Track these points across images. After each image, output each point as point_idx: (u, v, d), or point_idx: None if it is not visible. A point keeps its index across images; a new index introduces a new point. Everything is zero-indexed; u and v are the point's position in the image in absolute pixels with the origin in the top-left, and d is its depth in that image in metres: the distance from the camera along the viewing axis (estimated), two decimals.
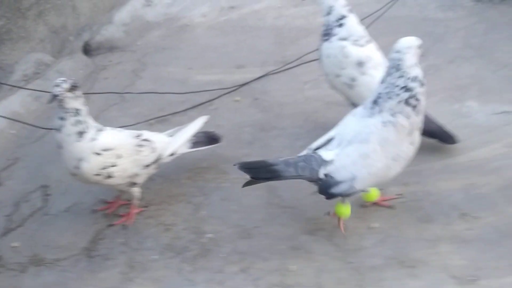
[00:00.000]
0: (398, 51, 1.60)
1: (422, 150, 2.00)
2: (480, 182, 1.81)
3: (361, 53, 1.99)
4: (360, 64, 1.97)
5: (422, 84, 1.57)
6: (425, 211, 1.74)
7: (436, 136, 1.91)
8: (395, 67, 1.58)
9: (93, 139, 1.71)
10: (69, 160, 1.72)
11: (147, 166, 1.82)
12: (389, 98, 1.56)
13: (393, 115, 1.55)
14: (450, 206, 1.74)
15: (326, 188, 1.58)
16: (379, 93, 1.60)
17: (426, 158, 1.95)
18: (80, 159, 1.70)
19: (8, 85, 2.68)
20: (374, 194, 1.76)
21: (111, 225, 1.88)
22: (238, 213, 1.86)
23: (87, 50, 3.19)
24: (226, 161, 2.11)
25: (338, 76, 2.02)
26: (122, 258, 1.74)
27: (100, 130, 1.74)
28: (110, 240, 1.82)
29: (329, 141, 1.63)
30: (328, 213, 1.74)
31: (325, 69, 2.08)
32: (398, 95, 1.55)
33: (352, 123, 1.62)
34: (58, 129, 1.70)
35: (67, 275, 1.69)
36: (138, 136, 1.81)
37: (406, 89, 1.55)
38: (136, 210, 1.90)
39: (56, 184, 2.07)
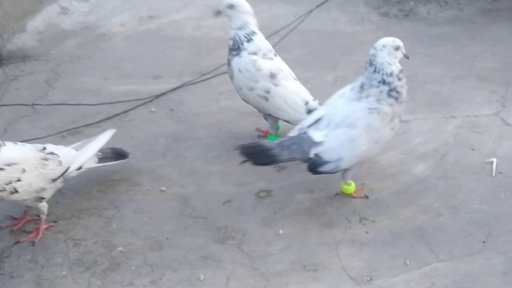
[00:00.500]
0: (374, 48, 1.76)
1: None
2: (378, 188, 1.95)
3: (271, 65, 2.07)
4: (272, 76, 2.05)
5: (399, 79, 1.71)
6: (328, 216, 1.85)
7: None
8: (369, 62, 1.75)
9: None
10: None
11: (54, 180, 1.79)
12: (371, 86, 1.72)
13: (378, 101, 1.70)
14: (351, 211, 1.86)
15: (315, 167, 1.73)
16: (362, 82, 1.76)
17: None
18: None
19: None
20: (352, 187, 1.89)
21: (17, 242, 1.82)
22: (149, 225, 1.87)
23: None
24: (139, 173, 2.11)
25: (252, 89, 2.08)
26: (29, 275, 1.70)
27: (0, 145, 1.69)
28: (17, 257, 1.77)
29: (318, 120, 1.75)
30: (337, 194, 1.90)
31: (237, 83, 2.12)
32: (377, 87, 1.71)
33: (340, 105, 1.75)
34: None
35: None
36: (42, 149, 1.78)
37: (384, 82, 1.70)
38: (44, 226, 1.86)
39: None
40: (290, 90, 2.04)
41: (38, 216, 1.86)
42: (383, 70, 1.71)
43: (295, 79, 2.10)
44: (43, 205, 1.82)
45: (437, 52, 2.87)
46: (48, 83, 2.83)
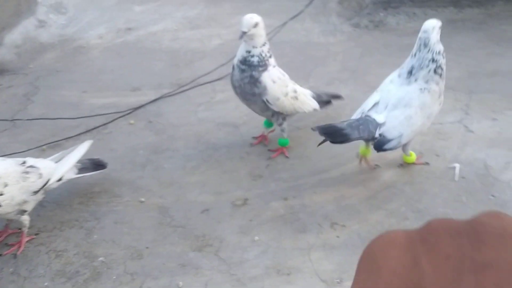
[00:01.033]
0: (425, 31, 1.95)
1: (301, 167, 2.22)
2: (349, 194, 2.05)
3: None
4: (290, 79, 2.24)
5: (443, 57, 1.95)
6: (301, 222, 1.94)
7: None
8: (423, 44, 1.93)
9: None
10: None
11: (36, 192, 1.84)
12: (421, 68, 1.93)
13: (426, 82, 1.92)
14: (323, 217, 1.95)
15: (381, 145, 1.93)
16: (412, 65, 1.96)
17: (303, 174, 2.17)
18: None
19: None
20: (413, 157, 2.11)
21: (0, 255, 1.87)
22: (130, 235, 1.93)
23: None
24: (119, 184, 2.18)
25: (286, 94, 2.15)
26: (12, 287, 1.74)
27: None
28: None
29: (375, 104, 1.97)
30: (376, 165, 2.13)
31: (274, 94, 2.11)
32: (427, 66, 1.92)
33: (393, 90, 1.97)
34: None
35: None
36: (23, 163, 1.83)
37: (433, 60, 1.92)
38: (26, 238, 1.91)
39: None
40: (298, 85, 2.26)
41: (20, 229, 1.91)
42: (433, 48, 1.93)
43: None
44: (25, 218, 1.87)
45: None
46: (27, 97, 2.87)
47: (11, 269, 1.81)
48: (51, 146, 2.42)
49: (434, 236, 0.26)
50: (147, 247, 1.87)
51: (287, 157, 2.28)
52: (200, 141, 2.43)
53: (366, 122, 1.91)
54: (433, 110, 1.97)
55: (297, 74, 3.03)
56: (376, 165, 2.16)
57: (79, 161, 2.03)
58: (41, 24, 3.68)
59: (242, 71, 2.10)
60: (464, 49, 3.11)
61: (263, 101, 2.13)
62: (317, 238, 1.86)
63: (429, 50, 1.93)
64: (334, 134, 1.90)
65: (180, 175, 2.22)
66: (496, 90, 2.65)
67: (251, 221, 1.95)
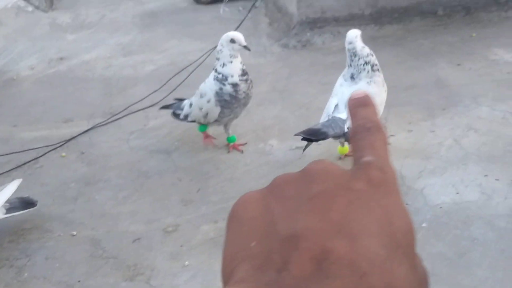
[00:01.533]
0: (350, 42, 2.25)
1: (231, 188, 2.30)
2: None
3: None
4: None
5: (372, 55, 2.25)
6: None
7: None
8: (353, 54, 2.25)
9: None
10: None
11: None
12: (360, 73, 2.23)
13: (370, 77, 2.22)
14: None
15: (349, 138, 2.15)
16: (352, 73, 2.26)
17: (233, 195, 2.24)
18: None
19: None
20: (347, 148, 2.33)
21: None
22: (61, 270, 1.94)
23: None
24: (50, 220, 2.18)
25: None
26: None
27: None
28: None
29: (335, 107, 2.25)
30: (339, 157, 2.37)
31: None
32: (364, 69, 2.23)
33: (346, 90, 2.25)
34: None
35: None
36: None
37: (366, 63, 2.22)
38: None
39: None
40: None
41: None
42: (362, 54, 2.22)
43: None
44: None
45: (330, 80, 3.13)
46: None
47: None
48: None
49: (278, 187, 0.33)
50: (78, 281, 1.89)
51: (242, 151, 2.50)
52: (132, 170, 2.47)
53: (335, 121, 2.22)
54: (382, 97, 2.27)
55: None
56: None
57: (7, 201, 2.03)
58: None
59: (246, 80, 2.33)
60: (385, 64, 3.28)
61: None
62: None
63: (359, 57, 2.23)
64: (315, 134, 2.17)
65: (111, 205, 2.25)
66: (412, 102, 2.84)
67: (181, 246, 2.00)
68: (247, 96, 2.36)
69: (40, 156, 2.59)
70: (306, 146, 2.25)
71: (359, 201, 0.30)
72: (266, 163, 2.43)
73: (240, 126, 2.69)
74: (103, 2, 4.74)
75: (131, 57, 3.69)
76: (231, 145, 2.53)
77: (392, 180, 0.32)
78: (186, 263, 1.92)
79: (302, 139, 2.16)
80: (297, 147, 2.54)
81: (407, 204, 2.04)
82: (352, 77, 2.26)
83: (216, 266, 1.91)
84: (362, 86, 2.21)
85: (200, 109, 2.39)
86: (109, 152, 2.62)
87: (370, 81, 2.24)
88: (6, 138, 2.77)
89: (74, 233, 2.11)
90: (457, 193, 2.11)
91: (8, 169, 2.50)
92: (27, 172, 2.48)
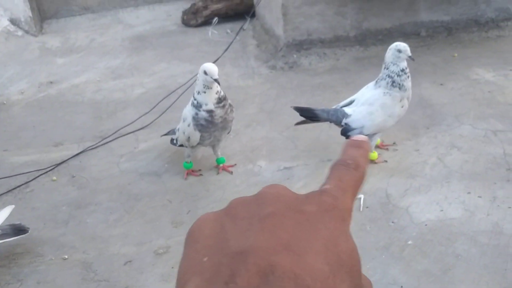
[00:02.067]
0: (389, 49, 2.34)
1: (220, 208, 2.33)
2: None
3: None
4: None
5: (398, 75, 2.31)
6: None
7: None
8: (384, 62, 2.36)
9: None
10: None
11: None
12: (382, 80, 2.36)
13: (389, 88, 2.33)
14: None
15: (345, 132, 2.39)
16: (378, 77, 2.39)
17: None
18: None
19: None
20: (374, 155, 2.48)
21: None
22: None
23: None
24: (41, 244, 2.19)
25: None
26: None
27: None
28: None
29: (351, 102, 2.43)
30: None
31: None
32: (385, 79, 2.34)
33: (365, 93, 2.42)
34: None
35: None
36: None
37: (389, 76, 2.32)
38: None
39: None
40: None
41: None
42: (388, 68, 2.32)
43: None
44: None
45: (317, 100, 3.22)
46: None
47: None
48: None
49: (233, 208, 0.36)
50: None
51: (231, 172, 2.56)
52: (123, 193, 2.49)
53: (336, 111, 2.42)
54: (394, 110, 2.35)
55: None
56: (385, 160, 2.53)
57: None
58: None
59: (223, 106, 2.36)
60: None
61: (232, 123, 2.47)
62: None
63: (385, 67, 2.35)
64: (306, 111, 2.44)
65: (103, 228, 2.27)
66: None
67: (172, 268, 2.03)
68: (225, 121, 2.37)
69: (31, 180, 2.61)
70: (300, 123, 2.51)
71: (307, 222, 0.33)
72: (255, 184, 2.47)
73: (229, 147, 2.74)
74: (92, 26, 4.80)
75: (120, 80, 3.74)
76: (220, 166, 2.57)
77: (342, 208, 0.35)
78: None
79: (295, 109, 2.46)
80: (285, 168, 2.59)
81: (393, 222, 2.10)
82: (376, 82, 2.40)
83: None
84: (378, 93, 2.36)
85: (183, 132, 2.44)
86: (100, 175, 2.64)
87: (387, 92, 2.35)
88: None
89: (66, 256, 2.12)
90: (441, 210, 2.17)
91: None
92: (18, 197, 2.50)
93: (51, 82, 3.75)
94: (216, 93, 2.33)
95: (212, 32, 4.42)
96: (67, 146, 2.92)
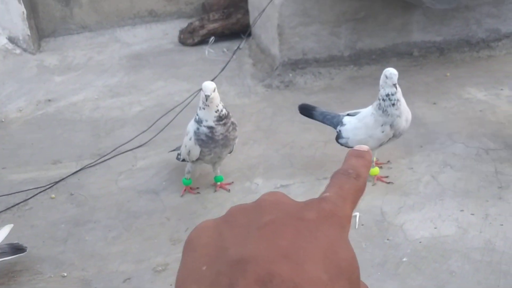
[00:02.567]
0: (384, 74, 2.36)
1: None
2: None
3: None
4: None
5: (383, 100, 2.34)
6: None
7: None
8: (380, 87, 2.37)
9: None
10: None
11: None
12: (376, 100, 2.40)
13: (376, 109, 2.37)
14: None
15: (337, 138, 2.53)
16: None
17: None
18: None
19: None
20: (375, 170, 2.50)
21: None
22: None
23: None
24: (40, 261, 2.21)
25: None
26: None
27: None
28: None
29: (355, 113, 2.51)
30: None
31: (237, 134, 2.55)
32: (377, 100, 2.38)
33: (365, 108, 2.48)
34: None
35: None
36: None
37: (378, 99, 2.36)
38: None
39: None
40: None
41: None
42: (380, 91, 2.37)
43: None
44: None
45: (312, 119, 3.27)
46: None
47: None
48: None
49: (232, 216, 0.36)
50: None
51: (229, 190, 2.59)
52: (121, 210, 2.52)
53: (334, 116, 2.53)
54: (375, 133, 2.37)
55: None
56: (389, 182, 2.55)
57: None
58: None
59: (224, 124, 2.38)
60: (363, 103, 3.42)
61: (235, 142, 2.50)
62: None
63: (380, 89, 2.38)
64: (305, 107, 2.64)
65: (101, 246, 2.29)
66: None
67: (171, 285, 2.04)
68: (226, 138, 2.40)
69: (29, 198, 2.63)
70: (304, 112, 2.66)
71: (307, 230, 0.33)
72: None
73: (226, 165, 2.78)
74: (90, 45, 4.86)
75: (118, 98, 3.78)
76: (218, 184, 2.61)
77: (342, 215, 0.35)
78: None
79: (300, 106, 2.67)
80: (281, 185, 2.63)
81: (388, 239, 2.14)
82: (377, 104, 2.42)
83: None
84: (368, 112, 2.43)
85: (185, 146, 2.48)
86: (98, 193, 2.67)
87: (373, 113, 2.38)
88: None
89: (65, 274, 2.14)
90: (435, 227, 2.21)
91: None
92: (17, 214, 2.51)
93: (49, 100, 3.78)
94: (216, 112, 2.36)
95: (209, 51, 4.49)
96: (66, 164, 2.94)
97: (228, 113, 2.44)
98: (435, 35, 4.01)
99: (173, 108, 3.48)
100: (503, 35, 4.01)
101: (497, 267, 1.96)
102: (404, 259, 2.05)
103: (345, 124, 2.48)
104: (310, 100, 3.55)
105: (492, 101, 3.25)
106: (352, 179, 0.38)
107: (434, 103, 3.33)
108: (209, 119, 2.37)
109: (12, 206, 2.57)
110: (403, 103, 2.36)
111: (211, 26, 4.65)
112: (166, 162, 2.90)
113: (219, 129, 2.37)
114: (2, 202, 2.60)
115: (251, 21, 4.37)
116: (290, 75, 3.84)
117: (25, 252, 2.14)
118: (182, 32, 4.74)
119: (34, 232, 2.37)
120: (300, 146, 2.98)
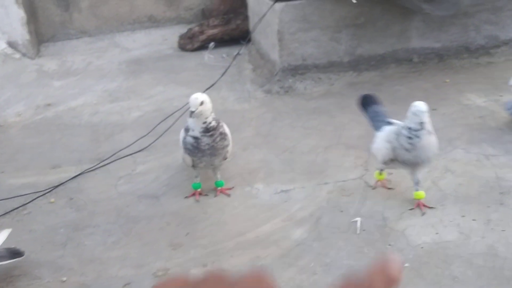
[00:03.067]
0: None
1: (219, 232, 2.35)
2: (263, 254, 2.19)
3: None
4: None
5: (397, 136, 2.27)
6: None
7: None
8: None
9: None
10: None
11: None
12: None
13: (396, 126, 2.33)
14: None
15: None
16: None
17: (221, 239, 2.29)
18: None
19: None
20: (421, 194, 2.37)
21: None
22: None
23: None
24: (39, 266, 2.19)
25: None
26: None
27: None
28: None
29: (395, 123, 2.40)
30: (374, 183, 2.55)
31: (230, 143, 2.52)
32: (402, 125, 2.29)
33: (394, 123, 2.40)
34: None
35: None
36: None
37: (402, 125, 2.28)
38: None
39: None
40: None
41: None
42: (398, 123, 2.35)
43: None
44: None
45: (312, 124, 3.27)
46: None
47: None
48: None
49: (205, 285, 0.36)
50: None
51: (229, 195, 2.56)
52: (121, 215, 2.50)
53: (380, 122, 2.45)
54: (380, 148, 2.37)
55: None
56: (390, 188, 2.52)
57: None
58: None
59: (211, 135, 2.36)
60: None
61: (226, 150, 2.45)
62: None
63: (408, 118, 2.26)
64: (368, 98, 2.59)
65: (101, 251, 2.27)
66: None
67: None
68: (213, 148, 2.38)
69: (28, 203, 2.61)
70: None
71: None
72: (253, 206, 2.50)
73: (226, 170, 2.76)
74: (89, 50, 4.85)
75: (117, 103, 3.77)
76: (218, 189, 2.60)
77: None
78: None
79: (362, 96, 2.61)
80: (282, 190, 2.61)
81: (390, 244, 2.12)
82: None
83: None
84: (391, 127, 2.37)
85: (180, 153, 2.48)
86: (98, 197, 2.65)
87: (393, 128, 2.33)
88: None
89: (64, 279, 2.12)
90: (437, 233, 2.20)
91: None
92: (15, 219, 2.49)
93: (48, 105, 3.77)
94: (204, 123, 2.34)
95: (208, 56, 4.48)
96: (65, 168, 2.92)
97: (218, 124, 2.40)
98: (434, 42, 4.02)
99: (173, 113, 3.47)
100: (502, 42, 4.03)
101: (500, 273, 1.95)
102: (406, 265, 2.04)
103: (381, 132, 2.41)
104: (310, 106, 3.56)
105: (492, 107, 3.25)
106: (390, 281, 0.37)
107: (434, 109, 3.31)
108: (196, 129, 2.36)
109: (11, 211, 2.55)
110: (425, 141, 2.20)
111: (211, 31, 4.66)
112: (166, 167, 2.88)
113: (205, 140, 2.36)
114: (0, 206, 2.58)
115: (250, 27, 4.37)
116: (290, 80, 3.84)
117: (23, 257, 2.12)
118: (181, 37, 4.74)
119: (32, 237, 2.35)
120: (301, 151, 2.98)
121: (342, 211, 2.42)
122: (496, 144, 2.82)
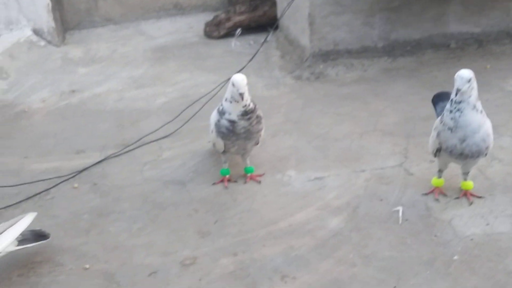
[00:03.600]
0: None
1: (249, 220, 2.22)
2: (297, 244, 2.05)
3: None
4: None
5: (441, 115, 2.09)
6: (251, 278, 1.91)
7: None
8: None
9: None
10: None
11: None
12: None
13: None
14: (273, 270, 1.93)
15: None
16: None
17: (251, 227, 2.16)
18: None
19: None
20: (470, 185, 2.18)
21: None
22: None
23: None
24: (61, 253, 2.09)
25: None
26: None
27: None
28: None
29: None
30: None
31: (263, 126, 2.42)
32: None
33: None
34: None
35: None
36: None
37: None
38: None
39: None
40: None
41: None
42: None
43: None
44: None
45: (345, 111, 3.11)
46: None
47: None
48: None
49: None
50: None
51: (259, 182, 2.44)
52: (147, 201, 2.39)
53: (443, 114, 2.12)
54: (433, 134, 2.15)
55: None
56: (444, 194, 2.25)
57: (20, 234, 1.95)
58: None
59: (248, 118, 2.25)
60: (399, 95, 3.27)
61: (259, 134, 2.36)
62: None
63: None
64: (439, 94, 2.37)
65: (125, 237, 2.16)
66: (431, 133, 2.78)
67: (200, 280, 1.91)
68: (249, 132, 2.28)
69: (52, 187, 2.53)
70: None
71: None
72: (284, 194, 2.36)
73: (256, 156, 2.63)
74: (113, 37, 4.77)
75: (143, 90, 3.67)
76: (248, 175, 2.46)
77: None
78: None
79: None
80: (316, 178, 2.47)
81: (436, 235, 1.96)
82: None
83: None
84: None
85: (210, 137, 2.36)
86: (123, 183, 2.55)
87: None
88: (17, 169, 2.71)
89: (87, 266, 2.01)
90: (487, 224, 2.03)
91: (18, 201, 2.43)
92: (38, 204, 2.41)
93: (73, 91, 3.69)
94: (244, 106, 2.24)
95: (235, 43, 4.35)
96: (89, 154, 2.83)
97: (255, 106, 2.30)
98: (473, 26, 3.80)
99: (199, 99, 3.35)
100: None
101: None
102: (455, 257, 1.88)
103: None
104: (342, 92, 3.39)
105: None
106: None
107: None
108: (233, 113, 2.24)
109: (34, 195, 2.47)
110: (470, 118, 1.98)
111: (238, 18, 4.52)
112: (193, 153, 2.76)
113: (242, 123, 2.25)
114: (23, 191, 2.50)
115: (278, 13, 4.22)
116: (321, 66, 3.68)
117: (47, 240, 2.03)
118: (207, 25, 4.61)
119: (55, 222, 2.26)
120: (334, 137, 2.82)
121: (381, 200, 2.26)
122: None
